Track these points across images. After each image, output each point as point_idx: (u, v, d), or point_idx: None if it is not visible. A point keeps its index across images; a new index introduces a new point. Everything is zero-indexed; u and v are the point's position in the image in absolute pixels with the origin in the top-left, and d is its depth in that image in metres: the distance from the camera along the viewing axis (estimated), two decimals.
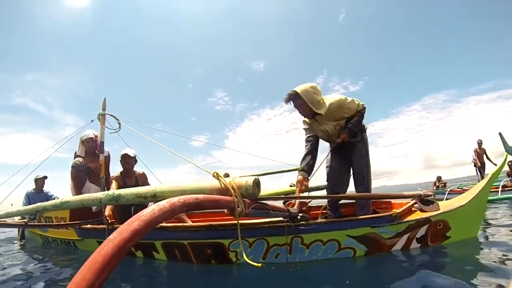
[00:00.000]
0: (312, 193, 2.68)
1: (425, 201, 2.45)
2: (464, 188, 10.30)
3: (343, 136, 2.57)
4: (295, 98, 2.55)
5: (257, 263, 2.04)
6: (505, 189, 8.25)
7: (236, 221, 1.33)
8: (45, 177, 5.53)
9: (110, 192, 1.47)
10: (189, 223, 3.00)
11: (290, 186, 5.08)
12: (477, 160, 10.02)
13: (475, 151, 10.13)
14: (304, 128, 2.82)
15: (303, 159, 2.68)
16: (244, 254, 1.34)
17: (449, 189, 9.80)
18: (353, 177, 2.69)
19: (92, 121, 3.60)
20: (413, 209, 2.46)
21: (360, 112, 2.62)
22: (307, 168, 2.62)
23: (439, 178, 12.16)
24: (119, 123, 3.57)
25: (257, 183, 1.36)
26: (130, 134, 3.55)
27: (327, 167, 2.84)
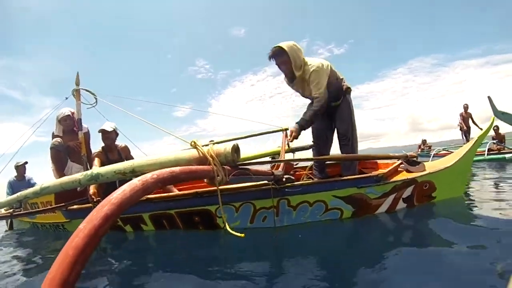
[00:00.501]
0: (298, 154, 2.64)
1: (411, 161, 2.45)
2: (449, 151, 10.53)
3: (292, 134, 2.49)
4: (280, 54, 2.47)
5: (245, 228, 2.03)
6: (491, 152, 8.46)
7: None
8: (26, 163, 5.39)
9: (89, 172, 1.39)
10: (175, 191, 2.96)
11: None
12: (463, 124, 10.12)
13: (461, 115, 10.21)
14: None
15: (304, 113, 2.62)
16: (226, 223, 1.29)
17: (434, 152, 9.99)
18: (338, 138, 2.67)
19: (66, 98, 3.36)
20: (399, 169, 2.46)
21: (316, 101, 2.48)
22: (302, 122, 2.55)
23: (424, 141, 12.36)
24: (95, 98, 3.40)
25: (236, 149, 1.30)
26: (109, 109, 3.39)
27: (312, 127, 2.80)
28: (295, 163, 3.00)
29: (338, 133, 2.65)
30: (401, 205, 2.29)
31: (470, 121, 10.17)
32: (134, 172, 1.25)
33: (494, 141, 9.31)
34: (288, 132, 2.54)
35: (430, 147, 11.98)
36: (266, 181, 1.98)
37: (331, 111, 2.62)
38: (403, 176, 2.30)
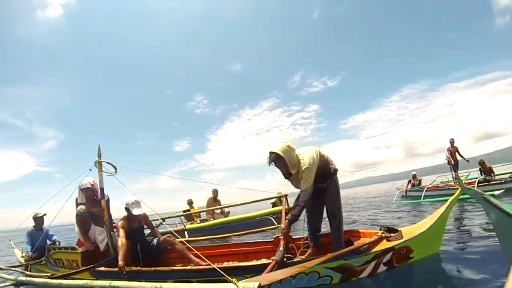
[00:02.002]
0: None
1: (390, 229, 2.96)
2: (438, 186, 11.01)
3: (284, 231, 2.89)
4: (277, 159, 2.82)
5: None
6: (480, 184, 8.92)
7: None
8: (45, 214, 5.70)
9: (158, 285, 1.91)
10: (192, 258, 3.41)
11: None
12: (451, 158, 10.63)
13: (448, 149, 10.72)
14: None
15: (293, 207, 2.98)
16: None
17: (426, 188, 10.45)
18: (327, 214, 3.08)
19: (90, 170, 3.94)
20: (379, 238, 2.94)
21: (302, 195, 2.87)
22: (292, 218, 2.92)
23: (414, 176, 12.79)
24: (115, 167, 3.94)
25: (259, 286, 1.76)
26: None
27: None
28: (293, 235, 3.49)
29: (327, 210, 3.07)
30: (381, 267, 2.75)
31: (457, 154, 10.70)
32: None
33: (483, 177, 9.84)
34: (280, 231, 2.92)
35: (420, 181, 12.43)
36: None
37: (320, 191, 3.01)
38: (383, 246, 2.78)
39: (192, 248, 3.17)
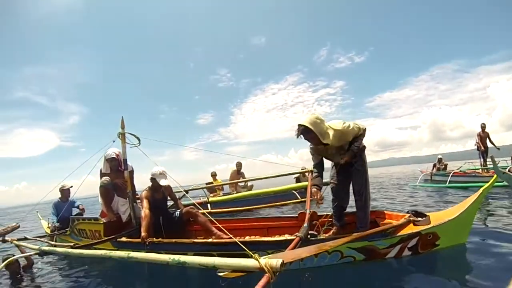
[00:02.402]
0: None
1: (418, 213, 2.86)
2: (466, 171, 10.60)
3: (345, 158, 2.86)
4: (305, 132, 2.72)
5: None
6: None
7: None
8: (71, 187, 5.84)
9: (176, 257, 1.85)
10: (214, 230, 3.47)
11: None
12: (481, 144, 10.14)
13: (479, 135, 10.22)
14: (311, 153, 3.11)
15: (314, 178, 3.02)
16: None
17: (452, 173, 10.08)
18: (353, 193, 3.03)
19: (113, 141, 3.98)
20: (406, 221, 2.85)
21: (361, 135, 2.88)
22: (318, 182, 2.99)
23: (439, 160, 12.35)
24: (138, 139, 3.95)
25: (282, 264, 1.66)
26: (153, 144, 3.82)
27: (330, 183, 3.20)
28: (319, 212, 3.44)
29: (354, 188, 3.01)
30: (406, 252, 2.68)
31: (487, 140, 10.20)
32: (215, 268, 1.72)
33: None
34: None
35: (446, 166, 12.04)
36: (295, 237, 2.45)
37: (348, 168, 2.96)
38: (409, 230, 2.68)
39: (214, 221, 3.18)
